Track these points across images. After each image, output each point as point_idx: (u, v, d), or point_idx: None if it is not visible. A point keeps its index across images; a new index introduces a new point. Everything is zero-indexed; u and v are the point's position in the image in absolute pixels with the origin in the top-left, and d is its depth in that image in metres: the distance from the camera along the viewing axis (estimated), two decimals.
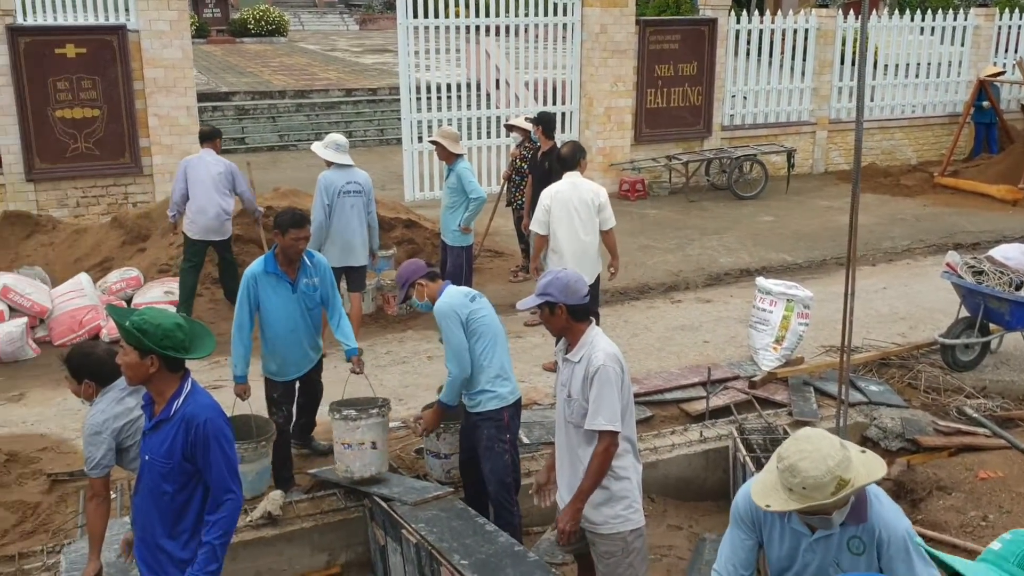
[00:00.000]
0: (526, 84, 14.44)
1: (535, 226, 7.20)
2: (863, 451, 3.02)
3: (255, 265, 5.48)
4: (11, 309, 8.21)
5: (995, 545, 2.26)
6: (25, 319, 8.10)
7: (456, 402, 5.10)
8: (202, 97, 14.57)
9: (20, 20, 12.61)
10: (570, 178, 7.14)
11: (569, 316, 4.05)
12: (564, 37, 13.97)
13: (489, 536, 4.45)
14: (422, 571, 4.49)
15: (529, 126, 9.45)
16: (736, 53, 14.66)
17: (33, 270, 9.09)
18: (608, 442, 3.95)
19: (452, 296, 5.01)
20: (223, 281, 8.97)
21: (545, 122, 9.04)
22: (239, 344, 5.38)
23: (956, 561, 2.21)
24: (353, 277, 7.90)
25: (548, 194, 7.13)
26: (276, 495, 5.27)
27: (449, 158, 8.11)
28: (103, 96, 11.13)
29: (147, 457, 3.47)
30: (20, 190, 11.06)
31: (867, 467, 2.92)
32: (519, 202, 9.51)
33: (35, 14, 15.04)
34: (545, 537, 5.49)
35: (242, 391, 5.44)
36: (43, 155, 11.05)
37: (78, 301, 8.44)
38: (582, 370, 4.00)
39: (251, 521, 5.11)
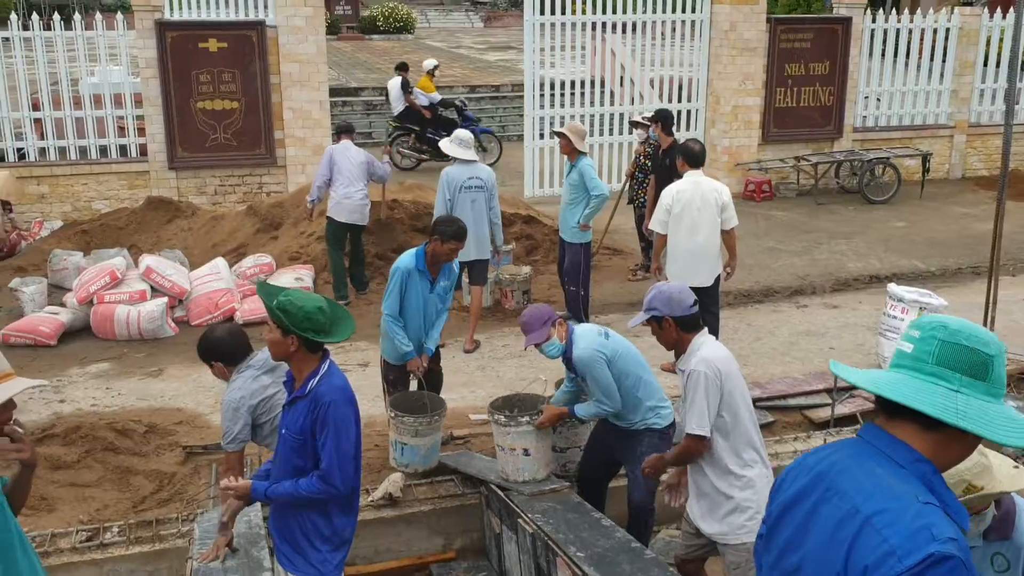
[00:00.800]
0: (651, 82, 14.31)
1: (655, 225, 7.14)
2: (1016, 466, 2.87)
3: (407, 260, 5.71)
4: (153, 289, 8.65)
5: (905, 347, 2.07)
6: (165, 299, 8.53)
7: (588, 420, 5.10)
8: (332, 92, 14.98)
9: (167, 15, 13.24)
10: (693, 176, 7.05)
11: (679, 328, 4.04)
12: (692, 34, 13.79)
13: (605, 531, 4.45)
14: (537, 561, 4.52)
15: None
16: (871, 53, 14.15)
17: (174, 253, 9.55)
18: (692, 444, 3.98)
19: (589, 339, 4.88)
20: (352, 268, 9.24)
21: (663, 119, 8.94)
22: (397, 328, 5.68)
23: (861, 377, 2.11)
24: (475, 271, 8.00)
25: (670, 193, 7.05)
26: (397, 477, 5.40)
27: (572, 154, 8.11)
28: (242, 89, 11.62)
29: (283, 431, 3.63)
30: (163, 177, 11.66)
31: (1009, 479, 2.79)
32: (641, 200, 9.43)
33: (181, 10, 15.77)
34: (660, 536, 5.45)
35: (417, 364, 5.74)
36: (185, 144, 11.62)
37: (215, 284, 8.83)
38: (685, 378, 4.05)
39: (372, 501, 5.25)
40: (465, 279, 8.31)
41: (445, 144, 8.00)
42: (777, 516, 2.18)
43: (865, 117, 14.45)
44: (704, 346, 4.05)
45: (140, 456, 5.99)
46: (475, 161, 7.87)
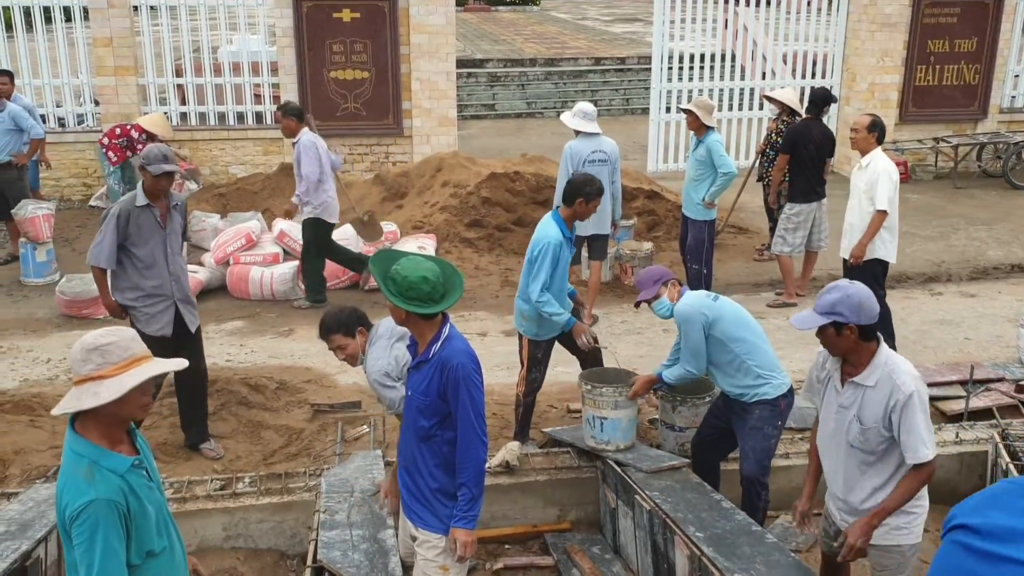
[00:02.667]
0: (783, 57, 13.89)
1: (890, 205, 6.83)
2: None
3: (553, 232, 5.49)
4: (285, 252, 8.98)
5: None
6: (296, 262, 8.84)
7: (677, 384, 5.08)
8: (458, 63, 15.13)
9: None
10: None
11: (859, 337, 3.66)
12: (828, 8, 13.28)
13: (725, 512, 4.40)
14: (654, 538, 4.52)
15: (786, 98, 9.09)
16: None
17: None
18: (929, 470, 3.64)
19: (694, 298, 4.90)
20: (349, 263, 8.68)
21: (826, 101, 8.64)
22: (552, 303, 5.50)
23: None
24: (595, 245, 7.98)
25: (891, 168, 6.84)
26: (514, 446, 5.47)
27: (700, 129, 7.97)
28: (372, 59, 11.85)
29: (409, 393, 3.73)
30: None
31: None
32: (771, 178, 9.19)
33: None
34: (779, 522, 5.36)
35: (584, 328, 5.78)
36: (317, 113, 11.86)
37: None
38: (881, 396, 3.63)
39: (489, 468, 5.33)
40: (584, 253, 8.30)
41: (567, 117, 7.97)
42: None
43: (1014, 98, 13.65)
44: (899, 360, 3.69)
45: (271, 411, 6.25)
46: (599, 134, 7.82)
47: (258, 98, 12.45)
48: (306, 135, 8.14)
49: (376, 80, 11.92)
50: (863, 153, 6.90)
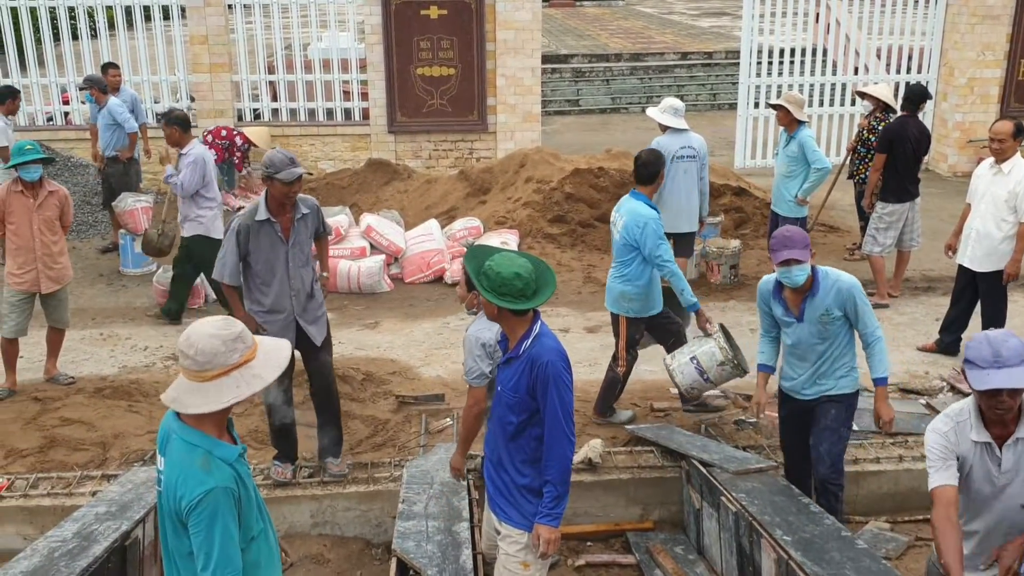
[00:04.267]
0: (877, 52, 13.49)
1: None
2: None
3: (648, 210, 5.69)
4: (371, 246, 9.12)
5: None
6: (383, 256, 8.97)
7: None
8: (542, 59, 15.15)
9: None
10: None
11: None
12: (925, 1, 12.85)
13: (814, 516, 4.31)
14: (739, 540, 4.45)
15: (880, 94, 8.84)
16: None
17: (391, 213, 10.00)
18: None
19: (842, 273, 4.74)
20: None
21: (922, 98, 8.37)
22: (680, 275, 5.71)
23: None
24: (681, 242, 7.88)
25: None
26: (596, 443, 5.45)
27: (791, 125, 7.81)
28: (459, 56, 11.94)
29: (499, 388, 3.76)
30: (383, 140, 12.21)
31: None
32: (863, 175, 8.94)
33: None
34: (868, 528, 5.23)
35: (706, 317, 5.84)
36: (404, 109, 12.10)
37: (427, 244, 9.19)
38: None
39: (572, 465, 5.32)
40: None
41: (655, 112, 7.88)
42: None
43: None
44: None
45: (357, 402, 6.36)
46: (687, 130, 7.73)
47: (347, 95, 12.68)
48: (196, 148, 7.52)
49: (462, 76, 12.01)
50: (1001, 159, 6.56)
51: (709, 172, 8.19)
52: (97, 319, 8.01)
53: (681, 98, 10.71)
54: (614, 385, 6.03)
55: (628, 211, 5.76)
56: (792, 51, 13.08)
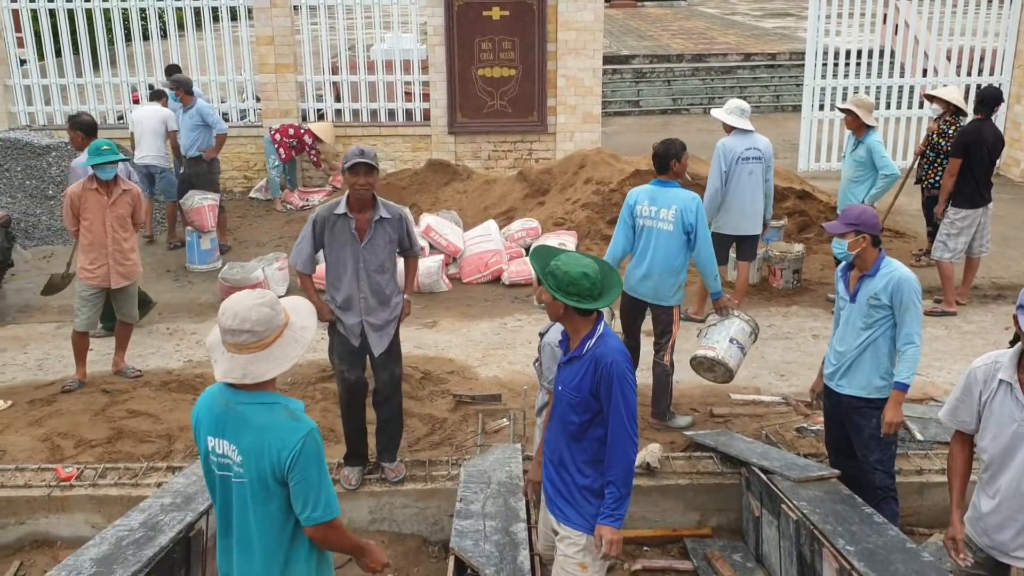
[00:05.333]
0: (947, 53, 13.17)
1: None
2: None
3: (688, 192, 5.91)
4: (431, 246, 9.18)
5: None
6: (442, 256, 9.03)
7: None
8: (603, 60, 15.06)
9: None
10: None
11: None
12: (999, 1, 12.51)
13: (877, 527, 4.22)
14: (800, 549, 4.38)
15: (951, 97, 8.62)
16: None
17: (450, 214, 10.05)
18: None
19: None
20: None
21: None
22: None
23: None
24: (745, 246, 7.79)
25: None
26: (655, 447, 5.42)
27: (860, 129, 7.67)
28: (520, 57, 11.95)
29: (560, 388, 3.75)
30: (443, 141, 12.28)
31: None
32: (931, 180, 8.74)
33: None
34: (932, 540, 5.10)
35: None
36: (464, 110, 12.15)
37: (485, 245, 9.23)
38: None
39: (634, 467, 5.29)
40: (732, 253, 8.12)
41: (720, 113, 7.80)
42: None
43: None
44: None
45: (416, 400, 6.40)
46: (753, 131, 7.63)
47: (408, 96, 12.78)
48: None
49: (522, 77, 12.02)
50: None
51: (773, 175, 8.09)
52: (164, 314, 8.20)
53: (744, 99, 10.59)
54: (665, 382, 6.00)
55: (675, 198, 5.78)
56: (859, 53, 12.83)
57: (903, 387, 4.58)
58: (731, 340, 5.78)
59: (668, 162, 5.89)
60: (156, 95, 10.21)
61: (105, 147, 6.45)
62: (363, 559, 3.31)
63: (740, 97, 13.93)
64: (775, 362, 7.09)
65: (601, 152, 10.90)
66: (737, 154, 7.48)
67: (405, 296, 5.37)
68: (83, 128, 7.47)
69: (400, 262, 5.41)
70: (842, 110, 7.92)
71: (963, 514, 3.80)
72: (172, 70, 10.59)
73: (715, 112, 7.94)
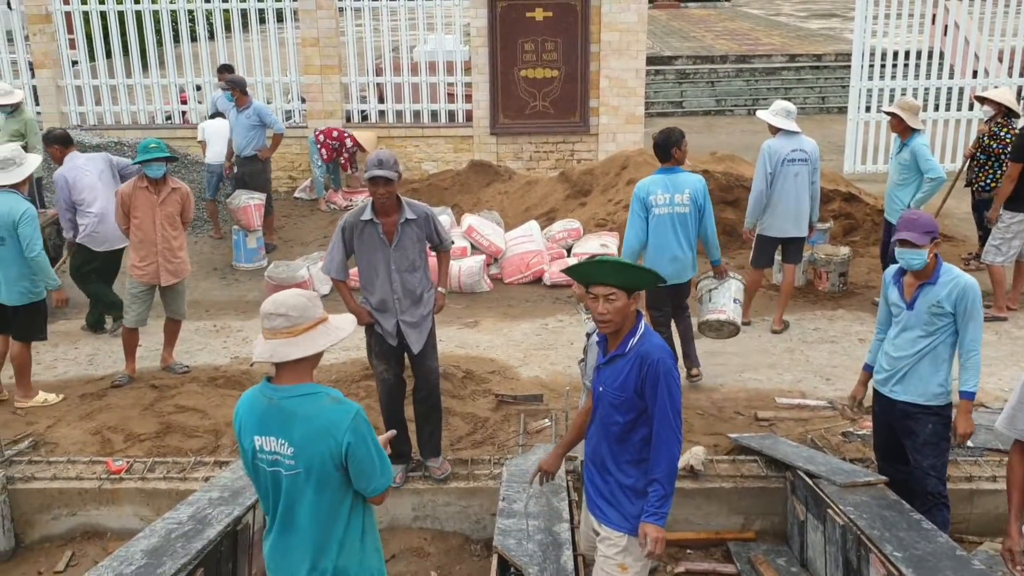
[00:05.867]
0: (999, 55, 12.93)
1: None
2: None
3: (695, 175, 6.28)
4: (472, 247, 9.21)
5: None
6: (483, 256, 9.06)
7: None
8: (646, 60, 15.00)
9: None
10: None
11: None
12: None
13: (926, 534, 4.16)
14: (846, 555, 4.33)
15: (1003, 98, 8.47)
16: None
17: (491, 214, 10.09)
18: None
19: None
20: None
21: None
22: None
23: None
24: (790, 248, 7.71)
25: None
26: (699, 450, 5.39)
27: (905, 132, 7.56)
28: (562, 58, 11.95)
29: (600, 388, 3.73)
30: (485, 142, 12.31)
31: None
32: (982, 183, 8.58)
33: None
34: (983, 549, 5.02)
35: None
36: (506, 111, 12.18)
37: (527, 245, 9.24)
38: None
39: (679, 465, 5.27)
40: (777, 256, 8.05)
41: (766, 114, 7.73)
42: None
43: None
44: None
45: (458, 399, 6.43)
46: (799, 133, 7.56)
47: (451, 97, 12.83)
48: (68, 161, 7.46)
49: (565, 78, 12.02)
50: None
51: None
52: (211, 311, 8.32)
53: (788, 100, 10.49)
54: (691, 334, 6.66)
55: (685, 182, 6.22)
56: (907, 54, 12.64)
57: (970, 396, 4.49)
58: (734, 300, 6.46)
59: (669, 150, 6.26)
60: (218, 114, 10.41)
61: (153, 145, 6.56)
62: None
63: (785, 98, 13.82)
64: (821, 366, 7.01)
65: (644, 153, 10.85)
66: (783, 156, 7.41)
67: (439, 289, 5.42)
68: (58, 141, 7.58)
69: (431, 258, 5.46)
70: (887, 113, 7.81)
71: (1021, 525, 3.72)
72: (225, 70, 10.72)
73: (761, 114, 7.87)
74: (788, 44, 21.39)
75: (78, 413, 6.31)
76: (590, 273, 3.61)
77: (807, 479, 4.86)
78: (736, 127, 16.36)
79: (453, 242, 5.50)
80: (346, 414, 3.07)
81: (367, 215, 5.05)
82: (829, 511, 4.52)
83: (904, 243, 4.44)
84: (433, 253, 5.44)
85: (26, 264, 6.18)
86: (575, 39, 11.88)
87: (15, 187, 6.27)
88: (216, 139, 10.25)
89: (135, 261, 6.71)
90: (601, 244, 9.28)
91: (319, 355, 3.17)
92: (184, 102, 13.08)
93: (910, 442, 4.65)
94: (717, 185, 9.87)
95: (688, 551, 5.21)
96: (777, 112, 7.58)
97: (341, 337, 3.17)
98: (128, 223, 6.67)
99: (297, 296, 3.16)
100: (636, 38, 11.93)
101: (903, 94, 12.28)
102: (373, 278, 5.15)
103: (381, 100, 12.85)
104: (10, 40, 12.86)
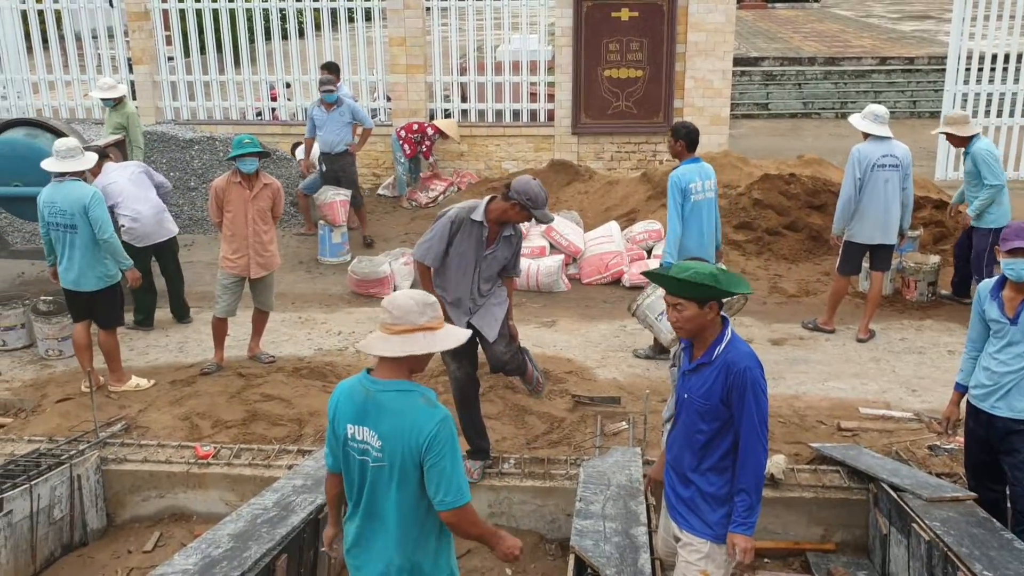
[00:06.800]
0: None
1: None
2: None
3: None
4: (551, 246, 9.23)
5: None
6: (561, 256, 9.06)
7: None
8: (732, 62, 14.76)
9: None
10: None
11: None
12: None
13: (1019, 554, 4.01)
14: (931, 571, 4.21)
15: None
16: None
17: (571, 214, 10.08)
18: None
19: None
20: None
21: None
22: None
23: None
24: (879, 255, 7.53)
25: None
26: (780, 459, 5.31)
27: (963, 142, 7.48)
28: (647, 58, 11.87)
29: (685, 396, 3.71)
30: (566, 141, 12.31)
31: None
32: None
33: None
34: None
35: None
36: (588, 111, 12.15)
37: (606, 246, 9.21)
38: None
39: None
40: (865, 263, 7.87)
41: (857, 119, 7.57)
42: None
43: None
44: None
45: (534, 398, 6.45)
46: (890, 138, 7.38)
47: (533, 96, 12.86)
48: (102, 176, 7.64)
49: (649, 79, 11.94)
50: None
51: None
52: (296, 303, 8.52)
53: (879, 104, 10.23)
54: None
55: (709, 170, 6.80)
56: (1006, 57, 12.21)
57: None
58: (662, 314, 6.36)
59: (698, 141, 6.78)
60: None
61: (247, 140, 6.74)
62: (497, 547, 3.37)
63: (875, 102, 13.48)
64: (907, 377, 6.83)
65: (729, 155, 10.73)
66: (872, 161, 7.25)
67: (510, 322, 5.44)
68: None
69: None
70: (944, 133, 7.79)
71: None
72: (329, 68, 10.81)
73: (852, 119, 7.71)
74: (879, 46, 20.85)
75: (168, 399, 6.52)
76: (660, 282, 3.65)
77: (891, 492, 4.75)
78: (823, 130, 16.02)
79: (520, 273, 5.58)
80: (432, 418, 3.11)
81: (478, 216, 5.08)
82: (914, 525, 4.41)
83: (1016, 252, 4.29)
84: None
85: (99, 248, 6.42)
86: (660, 39, 11.79)
87: (80, 175, 6.54)
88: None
89: (227, 253, 6.89)
90: None
91: (423, 359, 3.21)
92: (274, 99, 13.38)
93: (1011, 460, 4.50)
94: (804, 189, 9.70)
95: (766, 560, 5.14)
96: (866, 116, 7.43)
97: (433, 350, 3.17)
98: (221, 217, 6.86)
99: (408, 298, 3.18)
100: (723, 39, 11.78)
101: (1001, 98, 11.89)
102: (459, 275, 5.19)
103: (464, 99, 12.94)
104: (111, 36, 13.33)
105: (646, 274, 3.79)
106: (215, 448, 5.74)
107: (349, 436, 3.21)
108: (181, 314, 8.13)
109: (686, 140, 6.71)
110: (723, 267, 3.59)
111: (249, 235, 6.82)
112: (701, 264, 3.62)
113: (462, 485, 3.15)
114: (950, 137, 7.66)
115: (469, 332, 3.38)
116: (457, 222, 5.13)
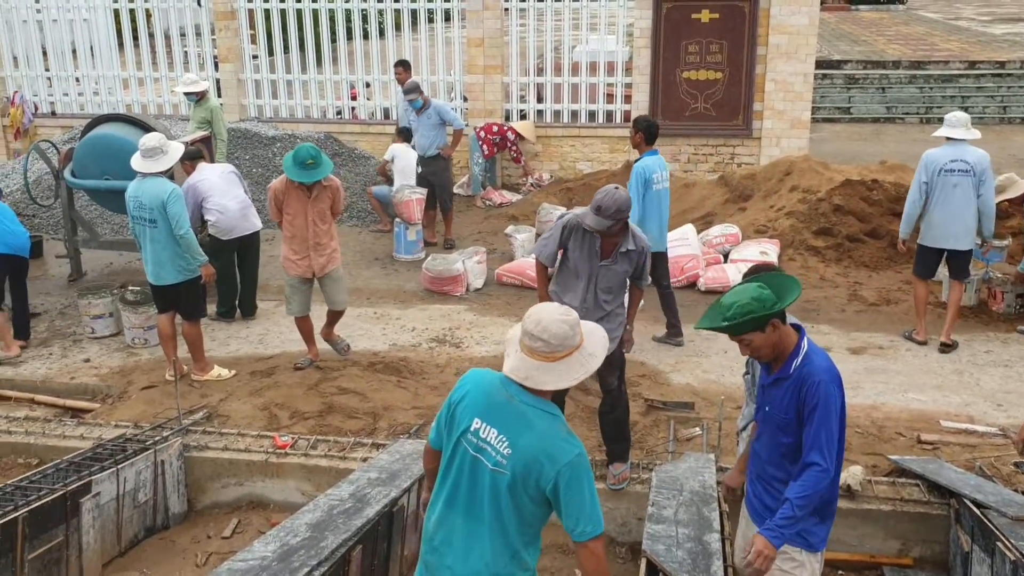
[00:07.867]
0: None
1: None
2: None
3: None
4: None
5: None
6: None
7: None
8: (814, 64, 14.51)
9: None
10: None
11: None
12: None
13: None
14: None
15: None
16: None
17: None
18: None
19: None
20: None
21: None
22: None
23: None
24: (955, 262, 7.33)
25: None
26: (856, 470, 5.21)
27: None
28: (727, 60, 11.75)
29: (767, 408, 3.67)
30: None
31: None
32: None
33: None
34: None
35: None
36: (666, 112, 12.06)
37: (682, 249, 9.12)
38: None
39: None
40: (945, 271, 7.66)
41: (940, 130, 7.39)
42: None
43: None
44: None
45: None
46: (964, 140, 7.17)
47: (610, 97, 12.81)
48: (196, 173, 7.89)
49: (728, 81, 11.81)
50: None
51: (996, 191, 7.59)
52: (371, 299, 8.65)
53: (966, 110, 9.97)
54: (673, 301, 7.59)
55: (664, 163, 7.39)
56: None
57: None
58: None
59: (657, 134, 7.29)
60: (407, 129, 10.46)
61: (310, 161, 6.53)
62: None
63: (962, 108, 13.11)
64: (992, 391, 6.63)
65: (809, 159, 10.56)
66: (940, 165, 7.09)
67: (628, 327, 5.43)
68: (189, 157, 7.87)
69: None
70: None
71: None
72: (402, 65, 10.88)
73: (937, 133, 7.52)
74: (968, 50, 20.23)
75: (248, 389, 6.68)
76: (715, 329, 3.57)
77: (974, 508, 4.62)
78: (907, 136, 15.62)
79: (650, 282, 5.55)
80: (571, 450, 3.07)
81: (589, 223, 5.03)
82: (999, 544, 4.28)
83: None
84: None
85: (177, 243, 6.58)
86: (741, 41, 11.65)
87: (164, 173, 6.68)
88: (401, 171, 10.13)
89: (288, 255, 6.84)
90: (761, 252, 9.06)
91: None
92: (354, 98, 13.60)
93: None
94: (886, 196, 9.49)
95: (840, 572, 5.05)
96: (946, 122, 7.28)
97: (593, 366, 3.14)
98: (280, 217, 6.84)
99: (561, 323, 3.09)
100: (806, 41, 11.59)
101: None
102: (573, 281, 5.20)
103: (539, 100, 12.97)
104: (198, 35, 13.71)
105: (699, 327, 3.67)
106: (293, 439, 5.86)
107: (472, 429, 3.16)
108: (248, 310, 8.26)
109: (645, 132, 7.26)
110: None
111: (309, 236, 6.75)
112: (738, 291, 3.54)
113: (598, 515, 3.12)
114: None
115: (605, 334, 3.26)
116: (569, 227, 5.14)
